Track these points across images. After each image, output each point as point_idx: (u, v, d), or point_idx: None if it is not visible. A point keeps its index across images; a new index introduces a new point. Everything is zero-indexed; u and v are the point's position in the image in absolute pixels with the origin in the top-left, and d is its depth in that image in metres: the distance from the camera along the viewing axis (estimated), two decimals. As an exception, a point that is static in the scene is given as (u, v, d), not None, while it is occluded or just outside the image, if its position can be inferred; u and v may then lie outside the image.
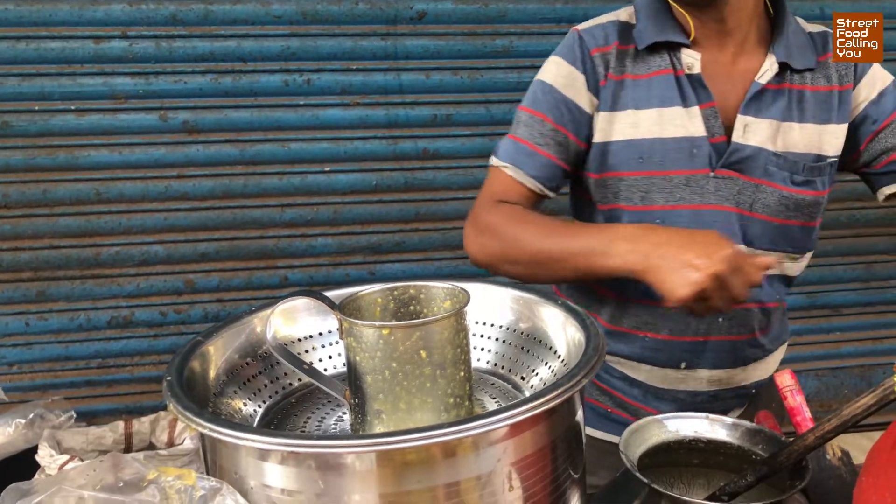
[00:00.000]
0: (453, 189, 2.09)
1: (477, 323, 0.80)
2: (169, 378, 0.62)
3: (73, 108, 1.93)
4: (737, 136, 1.07)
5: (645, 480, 0.81)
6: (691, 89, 1.07)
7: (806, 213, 1.11)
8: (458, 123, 2.06)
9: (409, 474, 0.54)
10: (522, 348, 0.77)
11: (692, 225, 1.07)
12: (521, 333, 0.77)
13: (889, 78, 1.10)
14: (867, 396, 0.77)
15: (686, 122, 1.07)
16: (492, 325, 0.80)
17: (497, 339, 0.79)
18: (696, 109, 1.07)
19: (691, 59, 1.07)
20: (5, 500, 0.51)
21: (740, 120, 1.06)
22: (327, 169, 2.06)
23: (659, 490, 0.80)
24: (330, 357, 0.79)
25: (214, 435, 0.55)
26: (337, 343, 0.79)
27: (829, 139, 1.08)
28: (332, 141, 2.04)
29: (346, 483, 0.54)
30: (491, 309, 0.79)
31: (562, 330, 0.72)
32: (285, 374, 0.76)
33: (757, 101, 1.06)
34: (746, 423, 0.91)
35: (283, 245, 2.06)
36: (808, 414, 0.94)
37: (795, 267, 1.16)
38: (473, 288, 0.74)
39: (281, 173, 2.05)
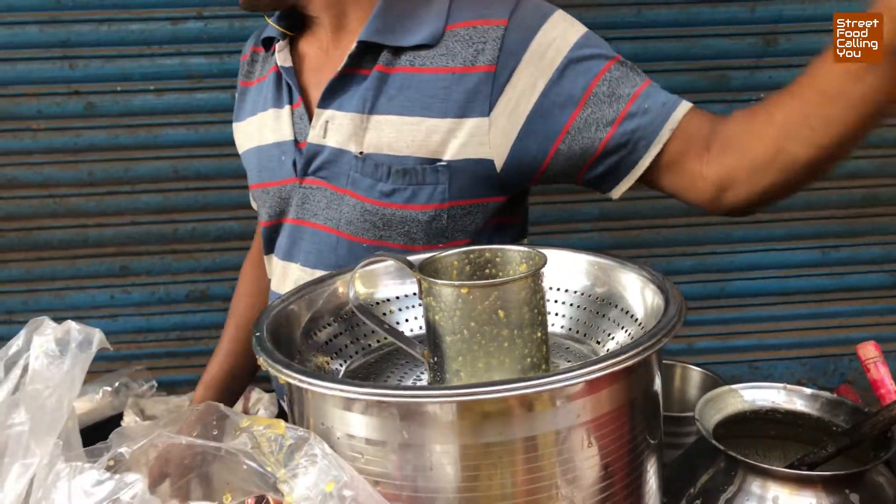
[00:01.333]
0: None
1: (552, 289, 0.80)
2: (258, 334, 0.65)
3: (152, 87, 2.00)
4: (314, 136, 0.90)
5: (721, 447, 0.80)
6: (286, 88, 0.94)
7: (404, 234, 0.88)
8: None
9: (489, 426, 0.55)
10: (598, 313, 0.77)
11: (292, 246, 0.95)
12: (597, 298, 0.77)
13: (571, 40, 0.85)
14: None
15: (277, 126, 0.95)
16: (566, 290, 0.80)
17: (572, 305, 0.79)
18: (286, 110, 0.94)
19: (283, 53, 0.94)
20: (112, 443, 0.55)
21: (319, 115, 0.89)
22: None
23: (736, 457, 0.79)
24: (407, 320, 0.80)
25: (304, 385, 0.57)
26: (415, 307, 0.80)
27: (447, 137, 0.84)
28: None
29: (428, 433, 0.55)
30: (566, 274, 0.79)
31: (640, 295, 0.72)
32: (365, 335, 0.78)
33: (338, 91, 0.88)
34: (826, 393, 0.90)
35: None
36: (892, 386, 0.92)
37: None
38: (548, 253, 0.74)
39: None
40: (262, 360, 0.61)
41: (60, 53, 1.93)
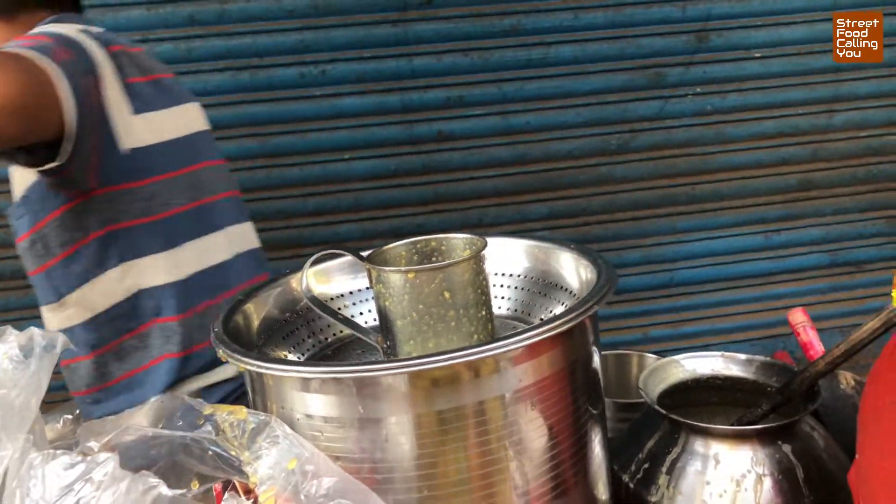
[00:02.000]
0: (470, 168, 2.14)
1: (496, 274, 0.85)
2: (216, 329, 0.68)
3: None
4: None
5: (664, 412, 0.86)
6: None
7: None
8: (470, 104, 2.11)
9: (439, 395, 0.59)
10: (539, 293, 0.81)
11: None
12: (538, 279, 0.82)
13: None
14: (872, 321, 0.81)
15: None
16: (510, 275, 0.84)
17: (516, 288, 0.84)
18: None
19: None
20: (80, 438, 0.57)
21: None
22: (346, 157, 2.12)
23: (678, 420, 0.85)
24: (362, 313, 0.84)
25: (263, 371, 0.60)
26: (368, 300, 0.84)
27: None
28: (349, 129, 2.10)
29: (383, 406, 0.59)
30: (507, 260, 0.84)
31: (575, 272, 0.77)
32: (321, 329, 0.81)
33: None
34: (760, 357, 0.96)
35: (308, 233, 2.12)
36: (820, 347, 0.99)
37: None
38: (491, 241, 0.79)
39: (301, 164, 2.12)
40: (222, 353, 0.64)
41: None
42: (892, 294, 0.68)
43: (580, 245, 0.78)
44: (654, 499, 0.84)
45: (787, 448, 0.82)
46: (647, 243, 2.45)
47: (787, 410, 0.87)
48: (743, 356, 0.98)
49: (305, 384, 0.60)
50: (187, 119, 1.12)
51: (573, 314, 0.62)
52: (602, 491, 0.75)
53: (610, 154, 2.32)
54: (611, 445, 0.91)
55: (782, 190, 2.42)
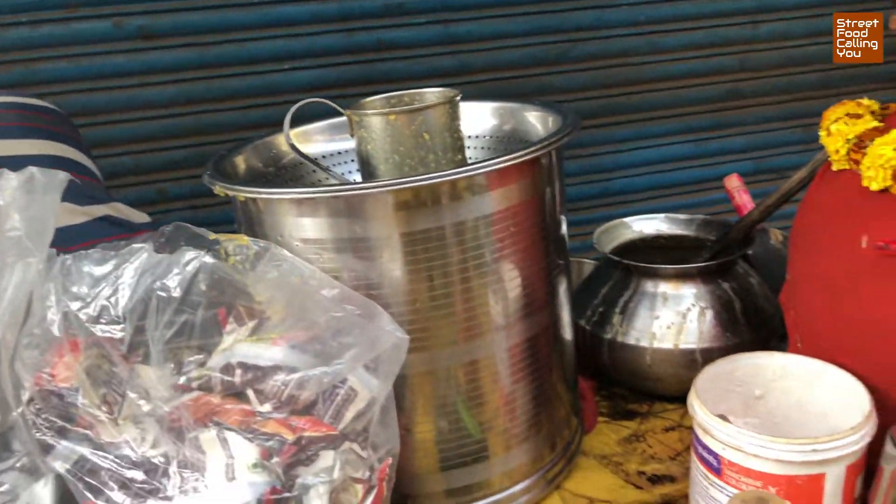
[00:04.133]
0: (414, 78, 2.16)
1: (467, 136, 0.90)
2: (209, 172, 0.72)
3: (24, 20, 1.92)
4: None
5: (618, 259, 0.94)
6: None
7: None
8: (411, 11, 2.12)
9: (422, 215, 0.64)
10: (508, 151, 0.87)
11: None
12: (506, 137, 0.88)
13: None
14: (801, 171, 0.91)
15: None
16: (478, 136, 0.90)
17: (486, 148, 0.89)
18: None
19: None
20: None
21: None
22: (286, 66, 2.11)
23: (630, 264, 0.93)
24: (342, 175, 0.88)
25: (262, 196, 0.65)
26: (346, 163, 0.88)
27: None
28: (287, 38, 2.08)
29: (373, 225, 0.64)
30: (475, 121, 0.89)
31: (543, 122, 0.83)
32: (302, 176, 0.85)
33: None
34: (700, 216, 1.05)
35: (252, 145, 2.11)
36: (752, 206, 1.08)
37: None
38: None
39: (242, 74, 2.09)
40: (219, 187, 0.68)
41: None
42: (820, 134, 0.76)
43: (544, 101, 0.84)
44: (608, 336, 0.93)
45: (726, 285, 0.92)
46: (585, 153, 2.53)
47: (726, 256, 0.97)
48: (684, 216, 1.07)
49: (300, 209, 0.65)
50: None
51: (542, 144, 0.68)
52: (569, 333, 0.82)
53: (549, 64, 2.38)
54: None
55: (712, 99, 2.52)
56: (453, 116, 0.76)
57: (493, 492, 0.75)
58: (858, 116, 0.74)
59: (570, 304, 0.82)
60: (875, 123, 0.71)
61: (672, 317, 0.90)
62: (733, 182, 1.12)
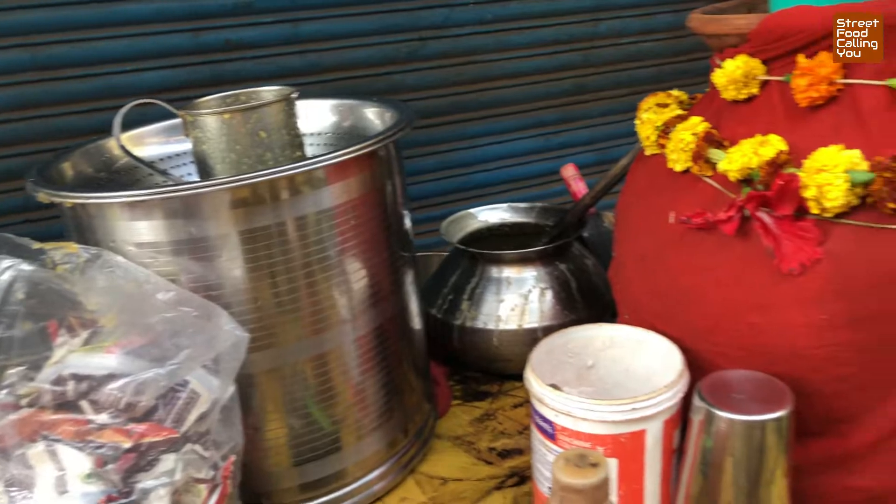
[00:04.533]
0: (262, 79, 2.12)
1: (307, 134, 0.91)
2: (32, 179, 0.69)
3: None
4: None
5: (464, 248, 0.98)
6: None
7: None
8: (259, 10, 2.09)
9: (260, 212, 0.64)
10: (349, 144, 0.89)
11: None
12: (346, 133, 0.89)
13: None
14: (624, 159, 0.98)
15: None
16: (319, 133, 0.91)
17: (327, 145, 0.90)
18: None
19: None
20: None
21: None
22: (129, 68, 2.02)
23: (475, 252, 0.97)
24: (181, 177, 0.87)
25: (89, 201, 0.63)
26: (182, 165, 0.87)
27: None
28: (131, 37, 1.99)
29: (209, 226, 0.64)
30: (315, 119, 0.90)
31: (380, 118, 0.85)
32: (139, 183, 0.83)
33: None
34: (539, 204, 1.11)
35: (96, 151, 2.01)
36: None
37: None
38: (297, 103, 0.85)
39: (81, 76, 1.98)
40: (44, 194, 0.65)
41: None
42: (636, 123, 0.83)
43: (382, 98, 0.86)
44: (458, 322, 0.96)
45: (563, 267, 0.98)
46: (443, 149, 2.58)
47: (562, 240, 1.03)
48: (524, 204, 1.13)
49: (133, 213, 0.64)
50: None
51: (379, 138, 0.70)
52: (417, 323, 0.85)
53: (401, 62, 2.41)
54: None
55: (558, 95, 2.65)
56: (290, 114, 0.77)
57: (348, 482, 0.77)
58: (666, 106, 0.81)
59: (417, 294, 0.85)
60: (679, 112, 0.78)
61: (516, 299, 0.95)
62: (569, 171, 1.19)
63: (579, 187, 1.17)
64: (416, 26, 2.32)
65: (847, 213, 0.60)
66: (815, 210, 0.60)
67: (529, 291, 0.95)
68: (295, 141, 0.77)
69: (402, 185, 0.80)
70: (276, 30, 2.13)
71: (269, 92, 0.81)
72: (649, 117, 0.79)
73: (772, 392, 0.63)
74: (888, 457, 0.66)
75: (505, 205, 1.13)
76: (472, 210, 1.11)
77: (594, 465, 0.49)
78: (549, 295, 0.95)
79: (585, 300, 0.97)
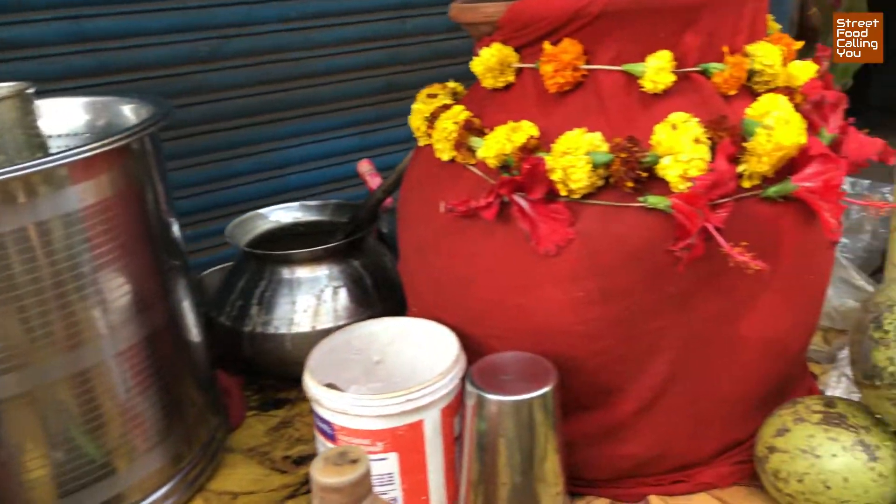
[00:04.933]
0: (44, 80, 1.94)
1: (59, 136, 0.83)
2: None
3: None
4: None
5: (249, 250, 0.94)
6: None
7: None
8: (34, 7, 1.91)
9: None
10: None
11: None
12: (101, 132, 0.82)
13: None
14: (411, 153, 0.98)
15: None
16: (71, 134, 0.83)
17: (81, 145, 0.83)
18: None
19: None
20: None
21: None
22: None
23: (262, 254, 0.94)
24: None
25: None
26: None
27: None
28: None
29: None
30: (65, 118, 0.83)
31: (138, 115, 0.79)
32: None
33: None
34: (333, 200, 1.09)
35: None
36: (381, 187, 1.15)
37: None
38: (45, 102, 0.78)
39: None
40: None
41: None
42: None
43: (142, 94, 0.81)
44: (248, 329, 0.92)
45: (356, 263, 0.96)
46: (257, 151, 2.50)
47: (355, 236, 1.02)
48: (317, 202, 1.11)
49: None
50: None
51: (127, 132, 0.64)
52: (195, 334, 0.80)
53: (200, 62, 2.30)
54: (205, 300, 0.98)
55: (372, 93, 2.64)
56: (26, 112, 0.69)
57: (126, 506, 0.71)
58: (435, 96, 0.81)
59: (193, 303, 0.80)
60: (447, 101, 0.79)
61: (309, 300, 0.92)
62: (364, 167, 1.18)
63: (375, 182, 1.16)
64: (215, 24, 2.22)
65: (593, 193, 0.63)
66: (563, 192, 0.62)
67: (322, 291, 0.93)
68: (34, 141, 0.70)
69: (166, 186, 0.75)
70: (56, 27, 1.96)
71: (3, 88, 0.73)
72: (419, 108, 0.80)
73: (537, 370, 0.64)
74: (650, 424, 0.70)
75: (297, 203, 1.10)
76: (261, 210, 1.07)
77: (354, 462, 0.47)
78: (342, 293, 0.93)
79: (382, 296, 0.96)
